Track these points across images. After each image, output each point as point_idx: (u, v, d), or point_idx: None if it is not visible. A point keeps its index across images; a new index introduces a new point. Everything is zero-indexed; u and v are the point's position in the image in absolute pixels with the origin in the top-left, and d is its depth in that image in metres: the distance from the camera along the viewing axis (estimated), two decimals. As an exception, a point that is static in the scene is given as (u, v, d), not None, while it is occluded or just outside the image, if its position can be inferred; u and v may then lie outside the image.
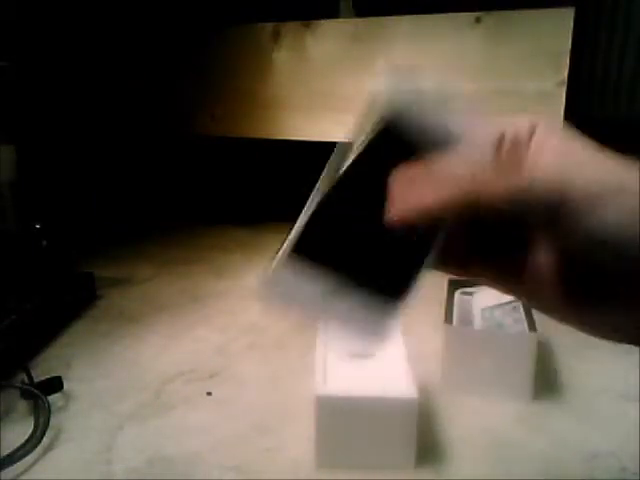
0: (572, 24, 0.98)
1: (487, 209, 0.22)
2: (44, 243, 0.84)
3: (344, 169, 0.24)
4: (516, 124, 0.26)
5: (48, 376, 0.62)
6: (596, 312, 0.24)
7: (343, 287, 0.22)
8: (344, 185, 0.24)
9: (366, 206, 0.23)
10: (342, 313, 0.22)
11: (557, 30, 1.00)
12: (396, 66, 0.25)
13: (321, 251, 0.23)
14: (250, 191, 1.39)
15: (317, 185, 0.24)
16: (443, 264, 0.26)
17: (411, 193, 0.23)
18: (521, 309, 0.64)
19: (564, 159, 0.22)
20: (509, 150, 0.25)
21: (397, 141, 0.24)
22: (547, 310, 0.26)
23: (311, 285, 0.22)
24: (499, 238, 0.26)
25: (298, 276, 0.22)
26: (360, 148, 0.24)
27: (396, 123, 0.24)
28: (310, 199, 0.24)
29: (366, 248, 0.23)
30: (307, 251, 0.23)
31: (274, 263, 0.23)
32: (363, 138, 0.24)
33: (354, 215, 0.23)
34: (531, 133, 0.25)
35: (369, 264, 0.23)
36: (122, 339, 0.76)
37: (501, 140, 0.25)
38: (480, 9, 1.04)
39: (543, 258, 0.25)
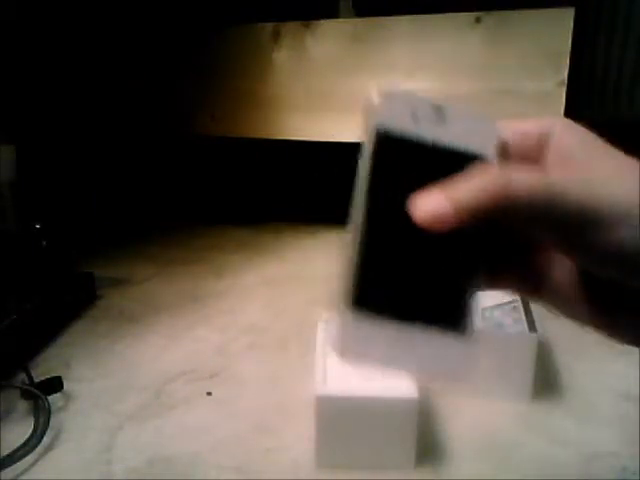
0: (572, 24, 0.98)
1: (517, 209, 0.21)
2: (44, 243, 0.84)
3: (366, 200, 0.23)
4: (524, 130, 0.25)
5: (48, 376, 0.62)
6: (624, 325, 0.24)
7: (412, 329, 0.22)
8: (373, 222, 0.23)
9: (403, 233, 0.23)
10: (418, 355, 0.22)
11: (557, 30, 1.00)
12: (389, 87, 0.24)
13: (380, 298, 0.23)
14: (250, 191, 1.39)
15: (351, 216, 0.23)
16: None
17: (437, 194, 0.22)
18: (521, 309, 0.64)
19: (589, 173, 0.22)
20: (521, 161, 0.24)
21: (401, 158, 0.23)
22: (572, 318, 0.26)
23: (382, 334, 0.22)
24: (519, 256, 0.26)
25: (367, 329, 0.22)
26: (368, 172, 0.23)
27: (396, 141, 0.23)
28: (348, 234, 0.23)
29: (418, 280, 0.23)
30: (367, 302, 0.22)
31: (339, 321, 0.22)
32: (366, 160, 0.23)
33: (398, 246, 0.23)
34: (541, 141, 0.24)
35: (425, 299, 0.23)
36: (122, 339, 0.76)
37: (505, 149, 0.25)
38: (480, 9, 1.04)
39: (561, 276, 0.25)
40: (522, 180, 0.21)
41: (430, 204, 0.22)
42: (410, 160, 0.23)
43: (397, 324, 0.22)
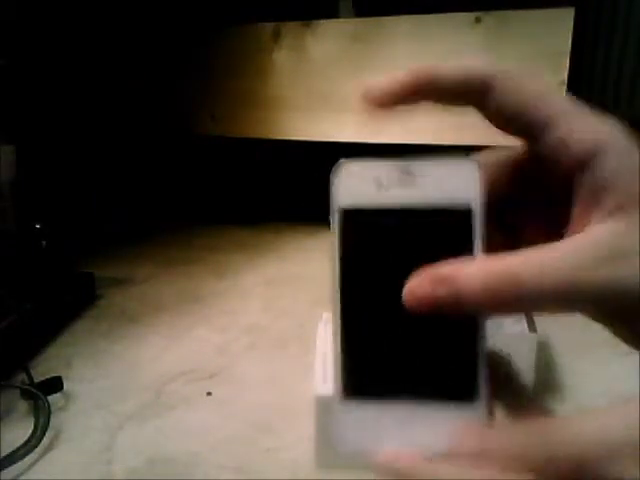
0: (572, 24, 0.98)
1: (529, 304, 0.19)
2: (44, 243, 0.84)
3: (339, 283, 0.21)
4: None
5: (48, 376, 0.62)
6: None
7: (413, 407, 0.21)
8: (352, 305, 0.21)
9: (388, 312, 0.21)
10: (422, 431, 0.21)
11: (557, 30, 1.00)
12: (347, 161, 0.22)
13: (375, 383, 0.21)
14: (250, 191, 1.39)
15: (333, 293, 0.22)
16: None
17: (433, 283, 0.19)
18: (521, 309, 0.64)
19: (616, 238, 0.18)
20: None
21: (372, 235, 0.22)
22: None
23: (381, 418, 0.21)
24: None
25: (363, 417, 0.21)
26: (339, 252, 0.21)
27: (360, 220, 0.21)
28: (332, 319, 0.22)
29: (412, 358, 0.21)
30: (362, 390, 0.21)
31: (333, 414, 0.22)
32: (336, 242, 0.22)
33: (382, 327, 0.21)
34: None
35: (424, 375, 0.21)
36: (122, 339, 0.76)
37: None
38: (480, 9, 1.04)
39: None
40: (530, 272, 0.18)
41: (426, 294, 0.19)
42: (382, 233, 0.21)
43: (398, 405, 0.21)
